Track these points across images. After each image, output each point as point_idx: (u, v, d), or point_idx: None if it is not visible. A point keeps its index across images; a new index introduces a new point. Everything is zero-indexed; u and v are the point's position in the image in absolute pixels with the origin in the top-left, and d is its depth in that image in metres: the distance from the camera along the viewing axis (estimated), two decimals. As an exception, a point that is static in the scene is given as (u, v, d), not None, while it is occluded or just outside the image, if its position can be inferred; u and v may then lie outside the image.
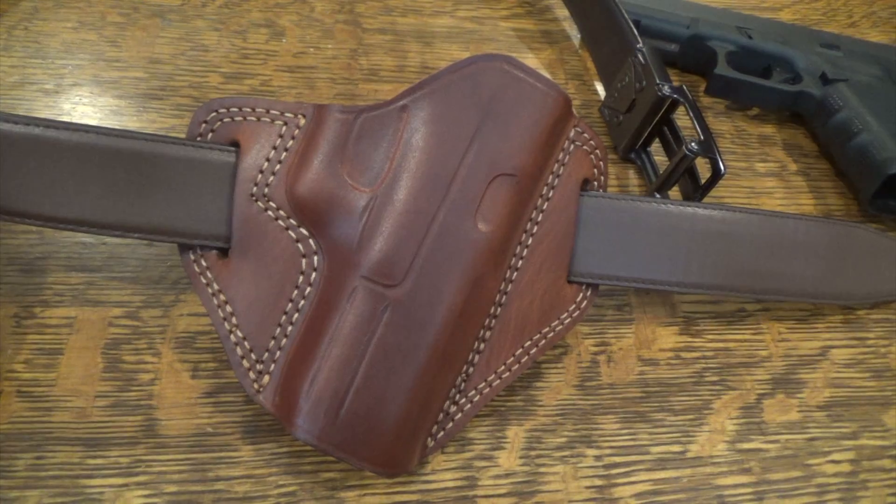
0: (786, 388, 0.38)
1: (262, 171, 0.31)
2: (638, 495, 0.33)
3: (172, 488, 0.30)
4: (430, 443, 0.31)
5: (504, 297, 0.32)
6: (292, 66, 0.46)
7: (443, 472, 0.33)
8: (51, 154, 0.29)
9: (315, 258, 0.31)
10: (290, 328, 0.30)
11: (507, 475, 0.33)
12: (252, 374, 0.30)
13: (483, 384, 0.32)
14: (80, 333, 0.34)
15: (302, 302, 0.31)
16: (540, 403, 0.35)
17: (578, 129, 0.34)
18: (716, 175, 0.38)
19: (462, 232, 0.30)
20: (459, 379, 0.31)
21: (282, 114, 0.32)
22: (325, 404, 0.28)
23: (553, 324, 0.33)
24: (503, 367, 0.32)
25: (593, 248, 0.34)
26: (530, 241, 0.33)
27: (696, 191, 0.40)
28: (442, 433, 0.31)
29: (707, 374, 0.38)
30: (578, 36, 0.53)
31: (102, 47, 0.44)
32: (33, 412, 0.31)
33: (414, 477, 0.32)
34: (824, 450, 0.36)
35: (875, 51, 0.51)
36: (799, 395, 0.38)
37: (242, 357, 0.30)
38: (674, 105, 0.41)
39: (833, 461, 0.36)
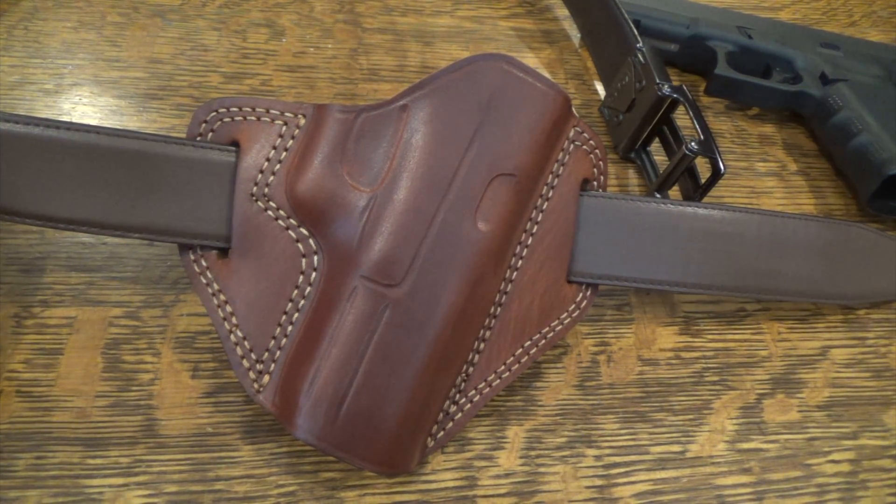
0: (786, 388, 0.38)
1: (262, 171, 0.31)
2: (638, 495, 0.33)
3: (172, 488, 0.30)
4: (430, 443, 0.31)
5: (504, 297, 0.32)
6: (292, 65, 0.46)
7: (443, 472, 0.33)
8: (51, 154, 0.29)
9: (315, 258, 0.31)
10: (290, 328, 0.30)
11: (507, 475, 0.33)
12: (252, 374, 0.30)
13: (483, 384, 0.32)
14: (80, 333, 0.34)
15: (302, 302, 0.31)
16: (540, 403, 0.35)
17: (578, 128, 0.34)
18: (716, 175, 0.38)
19: (462, 231, 0.30)
20: (459, 379, 0.31)
21: (282, 113, 0.32)
22: (325, 404, 0.28)
23: (553, 324, 0.33)
24: (503, 367, 0.32)
25: (593, 247, 0.34)
26: (530, 241, 0.33)
27: (696, 190, 0.40)
28: (442, 433, 0.31)
29: (707, 374, 0.38)
30: (578, 35, 0.53)
31: (102, 47, 0.44)
32: (33, 412, 0.31)
33: (414, 477, 0.32)
34: (824, 450, 0.36)
35: (875, 51, 0.51)
36: (799, 395, 0.38)
37: (242, 357, 0.30)
38: (674, 105, 0.41)
39: (833, 461, 0.36)
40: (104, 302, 0.35)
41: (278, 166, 0.31)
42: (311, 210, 0.30)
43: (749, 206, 0.37)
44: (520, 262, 0.33)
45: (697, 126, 0.39)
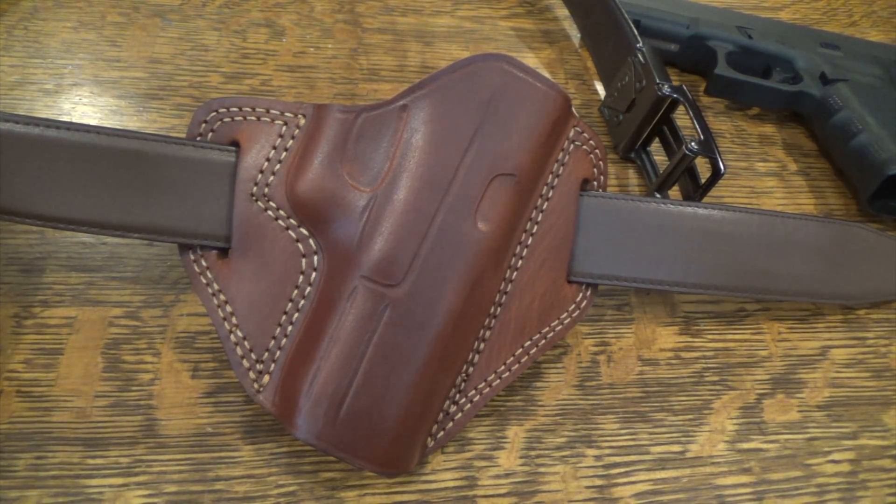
0: (786, 388, 0.38)
1: (262, 171, 0.31)
2: (638, 495, 0.33)
3: (172, 488, 0.30)
4: (430, 443, 0.31)
5: (504, 297, 0.32)
6: (292, 65, 0.46)
7: (443, 472, 0.33)
8: (51, 154, 0.29)
9: (315, 258, 0.31)
10: (290, 328, 0.30)
11: (507, 475, 0.33)
12: (252, 374, 0.30)
13: (483, 384, 0.32)
14: (80, 333, 0.34)
15: (302, 302, 0.31)
16: (540, 403, 0.35)
17: (578, 128, 0.34)
18: (715, 175, 0.38)
19: (462, 231, 0.30)
20: (459, 379, 0.31)
21: (282, 114, 0.32)
22: (324, 404, 0.28)
23: (553, 324, 0.33)
24: (503, 367, 0.32)
25: (593, 247, 0.34)
26: (530, 241, 0.33)
27: (696, 190, 0.40)
28: (442, 433, 0.31)
29: (707, 374, 0.38)
30: (578, 35, 0.53)
31: (102, 47, 0.44)
32: (33, 412, 0.31)
33: (414, 477, 0.32)
34: (824, 450, 0.36)
35: (875, 51, 0.51)
36: (799, 395, 0.38)
37: (242, 357, 0.30)
38: (674, 104, 0.41)
39: (833, 461, 0.36)
40: (104, 302, 0.35)
41: (278, 166, 0.31)
42: (311, 210, 0.30)
43: (749, 206, 0.37)
44: (520, 262, 0.33)
45: (697, 126, 0.39)
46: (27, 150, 0.29)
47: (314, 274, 0.31)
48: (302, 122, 0.32)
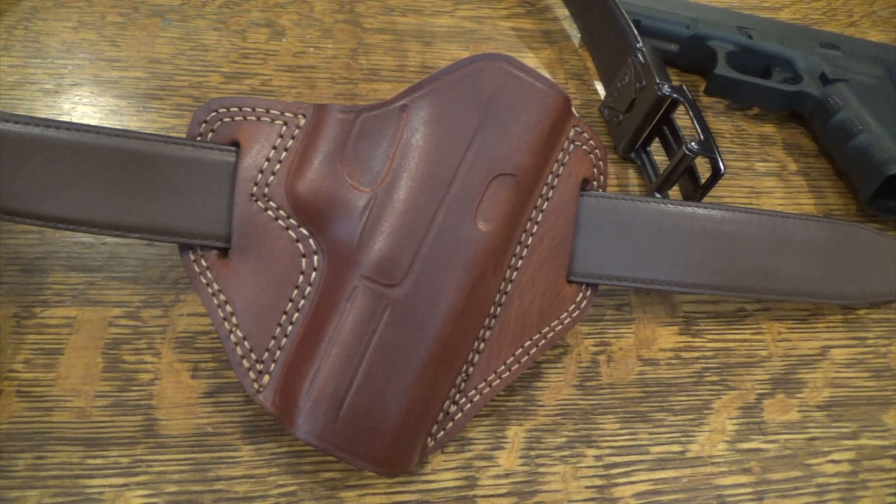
0: (786, 388, 0.38)
1: (262, 171, 0.31)
2: (638, 495, 0.33)
3: (172, 488, 0.30)
4: (430, 442, 0.31)
5: (504, 297, 0.32)
6: (292, 65, 0.46)
7: (443, 472, 0.33)
8: (51, 154, 0.29)
9: (315, 258, 0.31)
10: (290, 328, 0.30)
11: (507, 475, 0.33)
12: (252, 374, 0.30)
13: (483, 384, 0.32)
14: (80, 333, 0.34)
15: (302, 302, 0.31)
16: (540, 403, 0.35)
17: (578, 128, 0.34)
18: (715, 175, 0.38)
19: (462, 231, 0.30)
20: (459, 379, 0.31)
21: (282, 113, 0.32)
22: (325, 404, 0.28)
23: (553, 323, 0.33)
24: (503, 367, 0.32)
25: (593, 247, 0.34)
26: (530, 241, 0.33)
27: (696, 190, 0.40)
28: (442, 433, 0.31)
29: (707, 374, 0.38)
30: (578, 35, 0.53)
31: (102, 47, 0.44)
32: (33, 412, 0.31)
33: (414, 477, 0.32)
34: (824, 450, 0.36)
35: (875, 51, 0.51)
36: (799, 395, 0.38)
37: (242, 357, 0.30)
38: (674, 104, 0.41)
39: (833, 461, 0.36)
40: (104, 302, 0.35)
41: (278, 166, 0.31)
42: (311, 210, 0.30)
43: (749, 206, 0.37)
44: (520, 262, 0.33)
45: (697, 126, 0.39)
46: (27, 150, 0.29)
47: (314, 274, 0.31)
48: (302, 122, 0.32)
